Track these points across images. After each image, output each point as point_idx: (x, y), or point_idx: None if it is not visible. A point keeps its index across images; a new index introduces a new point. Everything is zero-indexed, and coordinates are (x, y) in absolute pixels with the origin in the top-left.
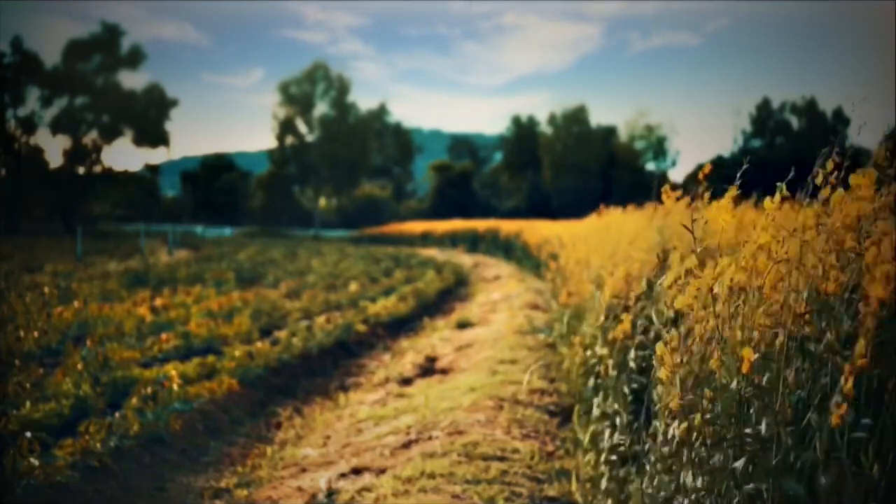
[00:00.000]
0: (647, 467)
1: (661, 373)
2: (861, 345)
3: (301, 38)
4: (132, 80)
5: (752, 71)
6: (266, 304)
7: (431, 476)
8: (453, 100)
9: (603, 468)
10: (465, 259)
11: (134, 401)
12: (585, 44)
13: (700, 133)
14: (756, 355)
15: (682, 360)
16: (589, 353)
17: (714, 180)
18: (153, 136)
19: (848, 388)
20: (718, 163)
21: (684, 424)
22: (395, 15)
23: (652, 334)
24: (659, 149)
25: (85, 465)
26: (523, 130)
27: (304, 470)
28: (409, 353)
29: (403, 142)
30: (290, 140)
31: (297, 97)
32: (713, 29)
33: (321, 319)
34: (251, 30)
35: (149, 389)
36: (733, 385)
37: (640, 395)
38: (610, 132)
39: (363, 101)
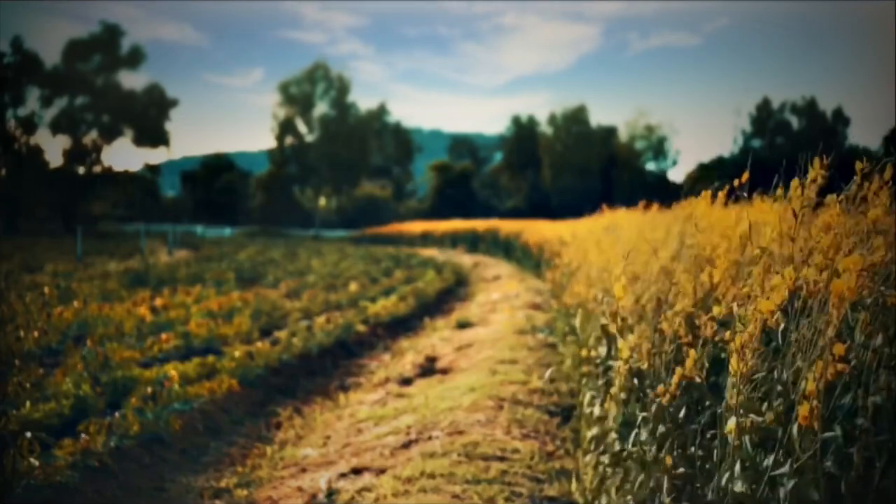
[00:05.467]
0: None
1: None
2: (839, 347)
3: (301, 37)
4: (132, 80)
5: (753, 71)
6: (266, 304)
7: (431, 476)
8: (453, 100)
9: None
10: (465, 259)
11: (134, 401)
12: (585, 44)
13: (700, 133)
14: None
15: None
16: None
17: (714, 180)
18: (153, 136)
19: (811, 388)
20: (719, 163)
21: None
22: (395, 15)
23: None
24: (659, 149)
25: (85, 465)
26: (523, 130)
27: (304, 470)
28: (409, 353)
29: (403, 142)
30: (290, 140)
31: (296, 97)
32: (713, 29)
33: (321, 319)
34: (251, 30)
35: (149, 389)
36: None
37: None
38: (610, 132)
39: (363, 101)
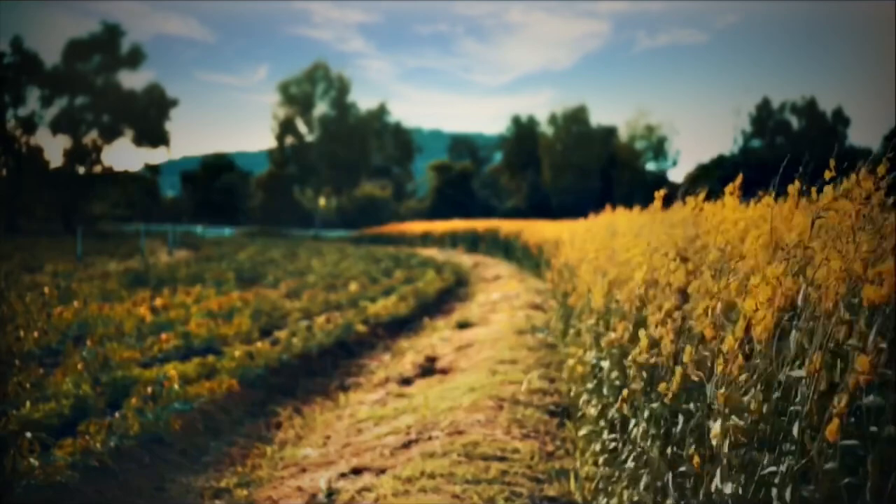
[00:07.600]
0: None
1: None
2: (863, 361)
3: (305, 35)
4: (132, 80)
5: (753, 70)
6: (266, 304)
7: (431, 476)
8: (453, 100)
9: (600, 469)
10: (464, 259)
11: (134, 401)
12: (592, 41)
13: (700, 133)
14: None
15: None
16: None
17: (714, 180)
18: (153, 136)
19: (841, 406)
20: (720, 163)
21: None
22: (398, 14)
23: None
24: (659, 149)
25: (85, 465)
26: (523, 130)
27: (304, 470)
28: (409, 353)
29: (403, 142)
30: (290, 140)
31: (297, 97)
32: (714, 28)
33: (321, 319)
34: (259, 26)
35: (149, 389)
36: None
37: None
38: (610, 132)
39: (364, 100)
